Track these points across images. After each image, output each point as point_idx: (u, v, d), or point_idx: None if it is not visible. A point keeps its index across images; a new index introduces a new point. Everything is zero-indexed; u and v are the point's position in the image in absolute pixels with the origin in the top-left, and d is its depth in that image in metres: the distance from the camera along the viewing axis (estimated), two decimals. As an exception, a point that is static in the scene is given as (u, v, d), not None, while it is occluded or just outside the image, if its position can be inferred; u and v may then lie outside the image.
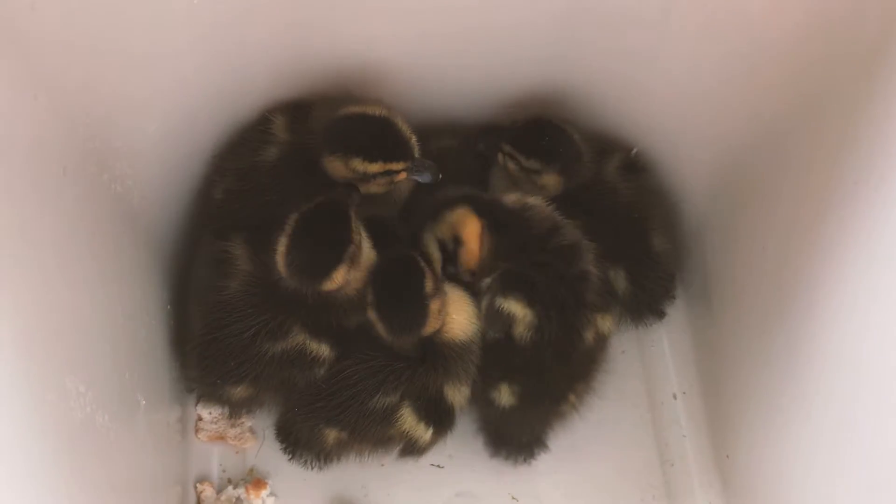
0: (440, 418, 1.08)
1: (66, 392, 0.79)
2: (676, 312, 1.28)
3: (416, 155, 1.10)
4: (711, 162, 1.18)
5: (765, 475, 1.08)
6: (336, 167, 1.09)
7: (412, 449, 1.10)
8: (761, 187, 1.08)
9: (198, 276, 1.21)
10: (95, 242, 0.93)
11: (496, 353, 1.08)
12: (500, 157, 1.18)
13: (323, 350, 1.06)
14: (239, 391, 1.09)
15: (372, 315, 1.03)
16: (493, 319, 1.07)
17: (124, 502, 0.94)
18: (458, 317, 1.06)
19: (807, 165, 0.98)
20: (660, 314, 1.24)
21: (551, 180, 1.15)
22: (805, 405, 0.98)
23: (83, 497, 0.81)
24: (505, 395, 1.10)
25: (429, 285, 1.02)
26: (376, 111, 1.09)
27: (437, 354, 1.06)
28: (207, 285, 1.11)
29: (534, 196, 1.09)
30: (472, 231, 1.07)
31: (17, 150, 0.75)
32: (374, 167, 1.07)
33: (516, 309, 1.05)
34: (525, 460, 1.17)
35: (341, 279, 1.01)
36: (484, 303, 1.07)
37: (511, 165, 1.17)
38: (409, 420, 1.07)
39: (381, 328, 1.03)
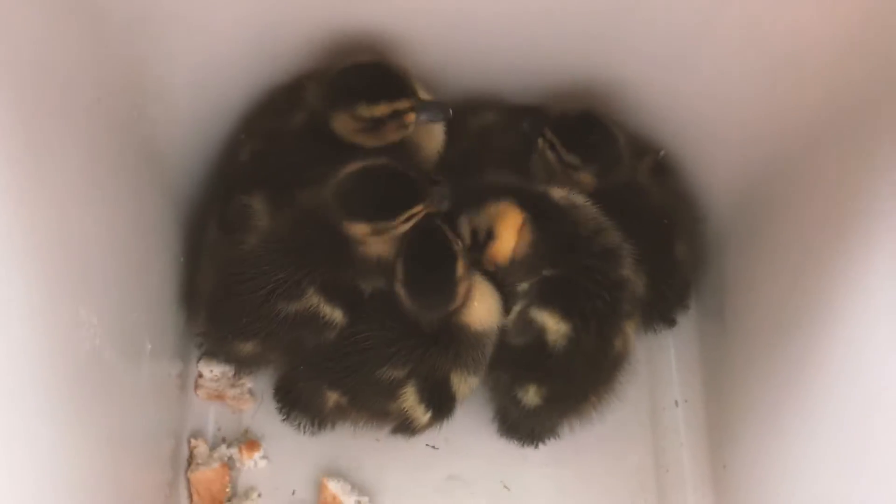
0: (441, 404, 1.07)
1: (79, 321, 0.79)
2: (687, 321, 1.28)
3: (423, 96, 1.08)
4: (738, 173, 1.17)
5: (760, 488, 1.07)
6: (344, 122, 1.07)
7: (406, 428, 1.10)
8: (785, 201, 1.08)
9: (214, 231, 1.21)
10: (118, 178, 0.93)
11: (530, 356, 1.07)
12: (540, 142, 1.16)
13: (336, 315, 1.04)
14: (247, 347, 1.08)
15: (399, 289, 1.02)
16: (523, 326, 1.06)
17: (117, 445, 0.94)
18: (480, 305, 1.05)
19: (833, 183, 0.98)
20: (671, 322, 1.23)
21: (587, 178, 1.14)
22: (806, 422, 0.98)
23: (79, 429, 0.81)
24: (532, 396, 1.09)
25: (460, 268, 1.01)
26: (368, 58, 1.07)
27: (451, 337, 1.05)
28: (222, 240, 1.10)
29: (578, 193, 1.08)
30: (510, 228, 1.05)
31: (58, 70, 0.75)
32: (379, 109, 1.05)
33: (549, 322, 1.05)
34: (535, 444, 1.18)
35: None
36: (517, 308, 1.06)
37: (550, 154, 1.15)
38: (410, 399, 1.06)
39: (407, 303, 1.02)
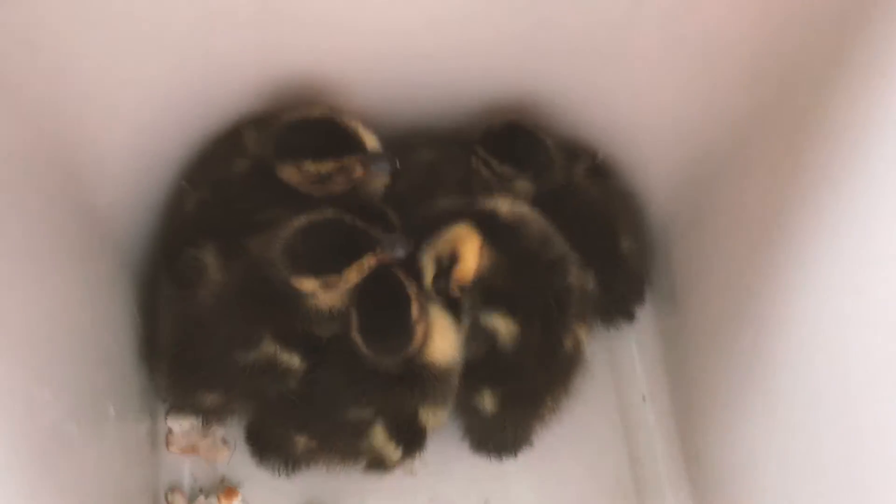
0: (411, 439, 1.08)
1: (33, 400, 0.78)
2: (644, 315, 1.30)
3: (371, 147, 1.09)
4: (675, 165, 1.19)
5: (732, 473, 1.10)
6: (290, 174, 1.09)
7: (379, 465, 1.10)
8: (725, 190, 1.10)
9: (167, 286, 1.20)
10: (60, 246, 0.92)
11: (481, 361, 1.08)
12: (473, 160, 1.18)
13: (294, 361, 1.05)
14: (211, 398, 1.09)
15: (356, 337, 1.02)
16: (475, 336, 1.07)
17: (93, 513, 0.93)
18: (441, 341, 1.05)
19: (769, 168, 1.00)
20: (629, 316, 1.25)
21: (524, 186, 1.16)
22: (768, 404, 1.00)
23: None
24: (488, 402, 1.10)
25: (415, 311, 1.01)
26: (317, 112, 1.09)
27: (415, 376, 1.05)
28: (177, 295, 1.10)
29: (523, 204, 1.10)
30: (472, 248, 1.06)
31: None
32: (326, 166, 1.07)
33: (499, 324, 1.06)
34: (512, 454, 1.18)
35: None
36: (466, 322, 1.07)
37: (484, 170, 1.17)
38: (379, 437, 1.07)
39: (365, 350, 1.02)
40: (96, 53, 0.91)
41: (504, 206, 1.09)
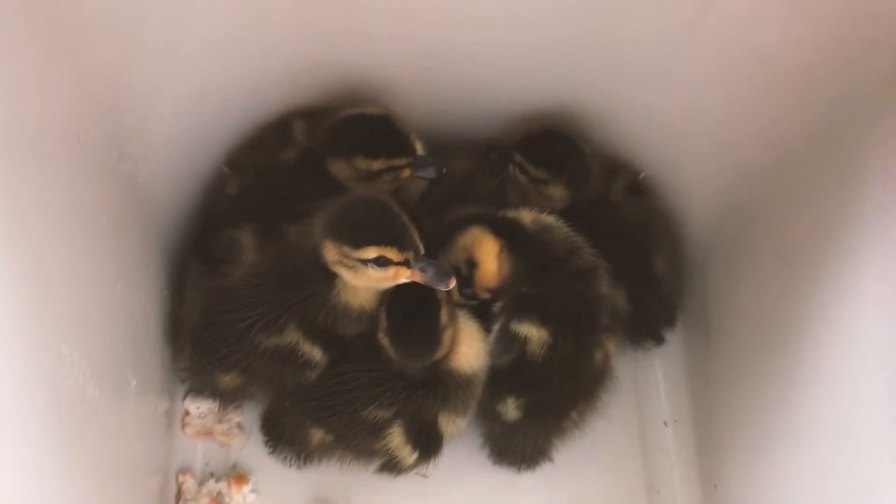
0: (428, 445, 1.07)
1: (62, 358, 0.78)
2: (672, 338, 1.28)
3: (419, 152, 1.11)
4: (717, 189, 1.18)
5: (751, 506, 1.08)
6: (341, 168, 1.11)
7: (392, 467, 1.09)
8: (766, 216, 1.09)
9: (199, 265, 1.21)
10: (99, 216, 0.92)
11: (508, 368, 1.07)
12: (510, 167, 1.18)
13: (315, 353, 1.05)
14: (228, 379, 1.08)
15: (383, 339, 1.02)
16: (506, 343, 1.06)
17: (104, 482, 0.93)
18: (467, 349, 1.05)
19: (812, 196, 0.99)
20: (658, 339, 1.24)
21: (558, 192, 1.16)
22: (795, 438, 0.98)
23: (64, 467, 0.80)
24: (511, 409, 1.09)
25: (444, 316, 1.01)
26: (375, 110, 1.11)
27: (438, 381, 1.05)
28: (209, 272, 1.11)
29: (549, 214, 1.09)
30: (488, 251, 1.06)
31: (36, 108, 0.76)
32: (377, 164, 1.09)
33: (530, 331, 1.05)
34: (529, 468, 1.17)
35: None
36: (496, 326, 1.06)
37: (521, 176, 1.17)
38: (396, 439, 1.06)
39: (391, 353, 1.02)
40: (150, 28, 0.92)
41: (527, 216, 1.09)
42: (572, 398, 1.10)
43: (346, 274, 0.99)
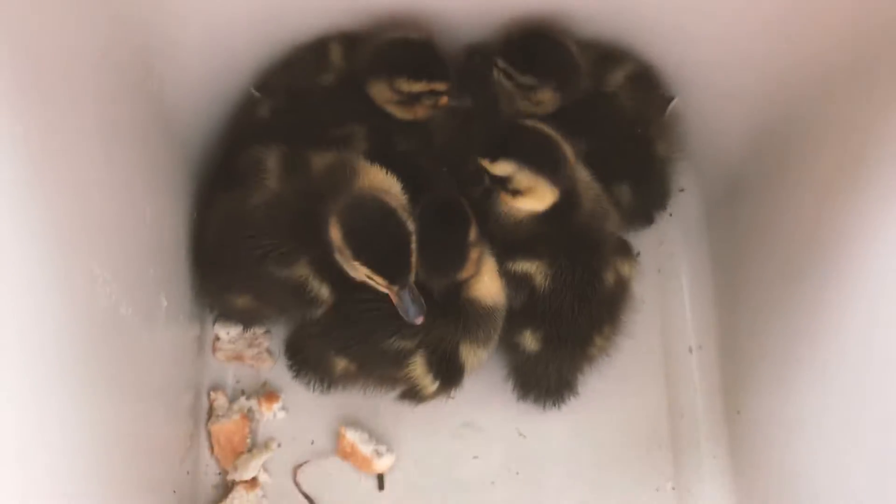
0: (449, 374, 1.08)
1: (94, 277, 0.79)
2: (701, 266, 1.28)
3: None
4: (752, 118, 1.15)
5: (773, 433, 1.08)
6: (381, 90, 1.11)
7: (414, 396, 1.11)
8: (799, 147, 1.07)
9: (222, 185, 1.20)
10: (127, 135, 0.93)
11: (525, 292, 1.08)
12: (494, 72, 1.14)
13: (323, 291, 1.05)
14: (242, 302, 1.11)
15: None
16: (514, 285, 1.07)
17: (138, 398, 0.95)
18: (489, 281, 1.06)
19: (846, 129, 0.96)
20: (649, 219, 1.23)
21: (547, 96, 1.12)
22: (820, 369, 0.98)
23: (100, 383, 0.82)
24: (529, 341, 1.10)
25: (473, 233, 1.02)
26: (417, 35, 1.11)
27: (460, 310, 1.05)
28: (229, 194, 1.10)
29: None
30: (541, 197, 1.05)
31: (62, 27, 0.75)
32: (419, 86, 1.09)
33: (528, 267, 1.06)
34: (555, 404, 1.17)
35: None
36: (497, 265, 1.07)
37: (506, 82, 1.13)
38: (418, 369, 1.07)
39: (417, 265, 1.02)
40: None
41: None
42: (590, 323, 1.09)
43: (341, 260, 1.00)
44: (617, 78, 1.17)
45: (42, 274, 0.70)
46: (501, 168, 1.03)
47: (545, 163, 1.03)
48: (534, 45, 1.11)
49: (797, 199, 1.06)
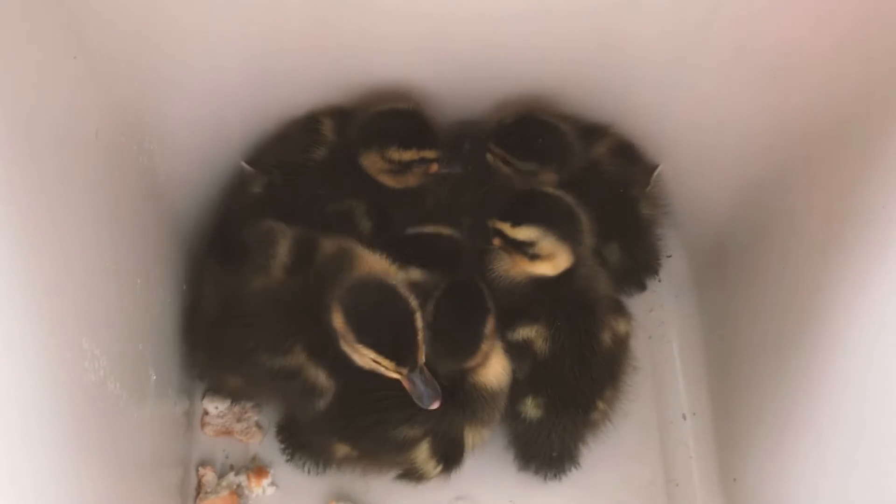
0: (451, 458, 1.08)
1: (82, 352, 0.79)
2: (691, 331, 1.28)
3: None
4: (734, 183, 1.17)
5: (770, 500, 1.07)
6: (373, 161, 1.13)
7: (414, 477, 1.10)
8: (784, 208, 1.08)
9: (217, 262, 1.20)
10: (118, 210, 0.93)
11: (528, 360, 1.08)
12: (489, 157, 1.16)
13: (321, 379, 1.04)
14: (234, 381, 1.11)
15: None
16: (517, 354, 1.08)
17: (126, 475, 0.94)
18: (496, 363, 1.06)
19: (831, 191, 0.98)
20: (641, 286, 1.25)
21: (549, 178, 1.14)
22: (814, 431, 0.97)
23: (86, 460, 0.81)
24: (531, 408, 1.10)
25: (490, 324, 1.02)
26: (405, 105, 1.13)
27: (467, 395, 1.05)
28: (232, 272, 1.09)
29: None
30: (561, 262, 1.06)
31: (54, 107, 0.76)
32: (409, 154, 1.11)
33: (528, 332, 1.07)
34: (555, 476, 1.16)
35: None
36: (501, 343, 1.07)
37: (504, 167, 1.15)
38: (423, 454, 1.06)
39: (428, 347, 1.00)
40: (169, 25, 0.93)
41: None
42: (592, 386, 1.09)
43: (346, 348, 0.98)
44: (600, 150, 1.20)
45: (30, 348, 0.70)
46: (524, 233, 1.04)
47: (569, 230, 1.04)
48: (529, 131, 1.13)
49: (785, 260, 1.07)
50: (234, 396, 1.18)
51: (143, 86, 0.97)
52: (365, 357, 0.96)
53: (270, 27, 1.01)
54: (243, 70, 1.07)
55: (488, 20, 1.03)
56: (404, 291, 0.96)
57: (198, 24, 0.96)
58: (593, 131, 1.21)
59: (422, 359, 0.97)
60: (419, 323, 0.96)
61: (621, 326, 1.10)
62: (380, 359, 0.95)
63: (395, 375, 0.97)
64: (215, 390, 1.19)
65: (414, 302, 0.96)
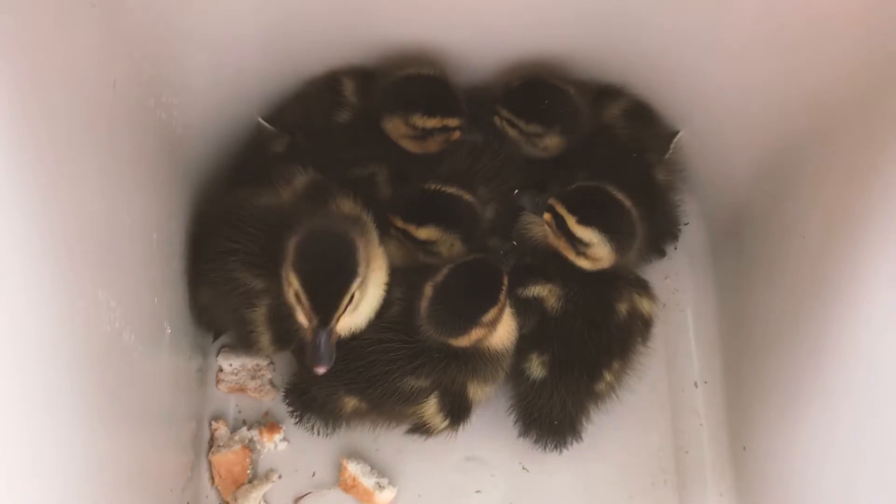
0: (458, 413, 1.08)
1: (98, 303, 0.79)
2: (706, 300, 1.28)
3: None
4: (755, 151, 1.16)
5: (780, 469, 1.07)
6: (396, 126, 1.13)
7: (422, 431, 1.10)
8: (805, 178, 1.07)
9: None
10: (136, 163, 0.93)
11: (534, 317, 1.09)
12: (497, 121, 1.16)
13: (264, 339, 1.06)
14: (206, 295, 1.10)
15: (427, 291, 1.00)
16: (525, 310, 1.08)
17: (137, 425, 0.95)
18: (501, 328, 1.05)
19: (853, 163, 0.96)
20: (661, 252, 1.25)
21: (553, 141, 1.15)
22: (826, 403, 0.97)
23: (101, 409, 0.82)
24: (536, 367, 1.10)
25: (491, 315, 1.00)
26: (430, 71, 1.13)
27: (470, 355, 1.05)
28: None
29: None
30: (606, 255, 1.06)
31: (72, 56, 0.76)
32: (433, 122, 1.12)
33: (540, 291, 1.07)
34: (556, 447, 1.15)
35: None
36: (509, 302, 1.06)
37: (511, 130, 1.16)
38: (432, 408, 1.07)
39: (423, 308, 1.01)
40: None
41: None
42: (599, 353, 1.09)
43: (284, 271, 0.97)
44: (613, 112, 1.20)
45: (46, 296, 0.71)
46: (588, 235, 1.04)
47: (626, 244, 1.05)
48: (535, 93, 1.13)
49: (802, 231, 1.06)
50: (199, 313, 1.14)
51: (161, 37, 0.96)
52: (290, 287, 0.94)
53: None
54: (262, 24, 1.06)
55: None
56: (359, 257, 0.94)
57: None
58: (607, 93, 1.20)
59: (335, 323, 0.95)
60: (352, 288, 0.94)
61: (644, 304, 1.10)
62: (301, 294, 0.93)
63: (304, 321, 0.95)
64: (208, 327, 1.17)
65: (360, 271, 0.94)
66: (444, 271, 1.00)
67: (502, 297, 1.01)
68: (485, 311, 1.00)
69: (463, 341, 1.02)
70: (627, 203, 1.06)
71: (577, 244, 1.05)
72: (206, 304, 1.12)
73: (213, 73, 1.09)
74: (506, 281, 1.01)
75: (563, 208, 1.05)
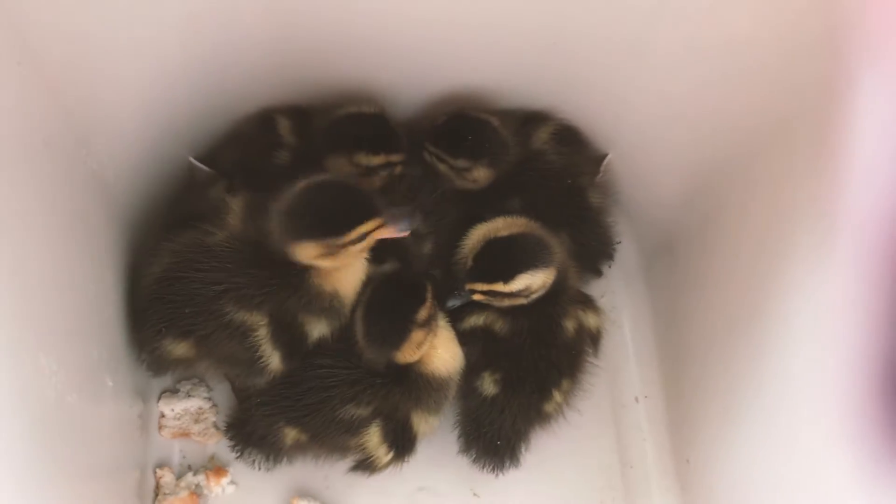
0: (402, 444, 1.08)
1: (40, 369, 0.77)
2: (642, 316, 1.31)
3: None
4: (684, 173, 1.19)
5: (723, 480, 1.10)
6: (340, 164, 1.13)
7: (367, 466, 1.10)
8: (733, 201, 1.11)
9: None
10: (69, 218, 0.91)
11: (479, 344, 1.11)
12: (426, 156, 1.18)
13: (274, 359, 1.03)
14: (179, 349, 1.05)
15: (358, 314, 1.02)
16: (468, 341, 1.10)
17: (86, 483, 0.93)
18: (444, 353, 1.06)
19: (777, 184, 1.00)
20: (597, 272, 1.27)
21: (482, 173, 1.17)
22: (763, 413, 1.01)
23: (44, 470, 0.79)
24: (488, 384, 1.11)
25: (422, 313, 1.01)
26: (370, 109, 1.14)
27: (413, 382, 1.05)
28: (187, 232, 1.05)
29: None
30: (545, 280, 1.08)
31: (3, 121, 0.74)
32: (378, 159, 1.12)
33: (476, 320, 1.11)
34: (493, 469, 1.16)
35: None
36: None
37: (441, 165, 1.17)
38: (374, 438, 1.06)
39: (359, 331, 1.02)
40: (112, 22, 0.90)
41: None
42: (549, 369, 1.11)
43: (326, 263, 0.98)
44: (542, 137, 1.22)
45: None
46: (518, 283, 1.06)
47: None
48: (460, 128, 1.15)
49: (732, 249, 1.10)
50: (178, 367, 1.10)
51: (89, 83, 0.94)
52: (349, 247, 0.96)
53: (218, 24, 0.99)
54: (190, 59, 1.04)
55: (434, 20, 1.03)
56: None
57: (142, 29, 0.93)
58: (533, 119, 1.23)
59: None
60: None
61: (591, 320, 1.13)
62: (368, 226, 0.96)
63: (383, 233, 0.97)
64: (157, 366, 1.10)
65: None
66: (367, 292, 1.02)
67: (429, 295, 1.02)
68: (415, 309, 1.01)
69: (407, 351, 1.02)
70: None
71: (518, 296, 1.08)
72: (185, 357, 1.06)
73: (144, 114, 1.07)
74: (429, 285, 1.03)
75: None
